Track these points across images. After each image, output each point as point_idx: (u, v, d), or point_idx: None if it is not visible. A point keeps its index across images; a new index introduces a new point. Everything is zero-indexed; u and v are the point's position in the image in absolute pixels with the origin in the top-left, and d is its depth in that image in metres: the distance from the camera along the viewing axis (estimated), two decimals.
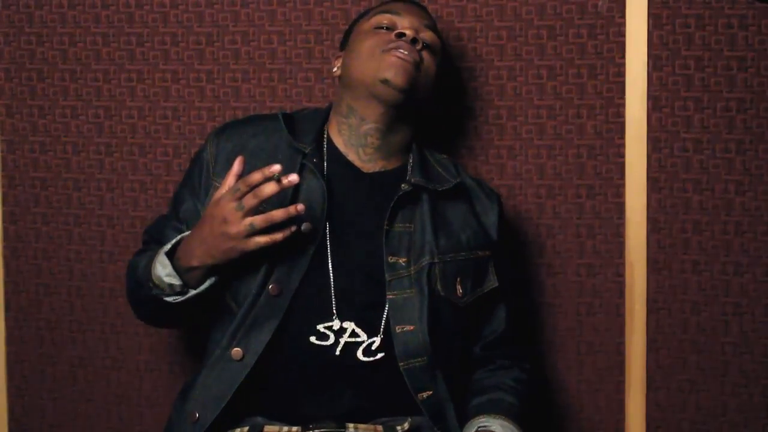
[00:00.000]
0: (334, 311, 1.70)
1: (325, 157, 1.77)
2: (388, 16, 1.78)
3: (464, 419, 1.73)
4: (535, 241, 2.06)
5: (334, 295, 1.70)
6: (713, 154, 1.99)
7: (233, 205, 1.59)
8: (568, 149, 2.03)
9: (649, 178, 2.01)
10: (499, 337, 1.83)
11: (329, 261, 1.71)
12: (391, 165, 1.80)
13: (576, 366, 2.08)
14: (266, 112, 2.08)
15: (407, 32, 1.74)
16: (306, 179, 1.73)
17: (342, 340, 1.69)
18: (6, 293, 2.22)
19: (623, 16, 1.99)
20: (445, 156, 1.88)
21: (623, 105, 2.00)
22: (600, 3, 1.99)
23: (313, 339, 1.69)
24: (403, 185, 1.74)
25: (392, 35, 1.74)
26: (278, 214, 1.60)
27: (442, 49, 1.84)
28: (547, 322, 2.07)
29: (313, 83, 2.07)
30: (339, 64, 1.84)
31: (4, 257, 2.21)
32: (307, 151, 1.75)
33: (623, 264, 2.03)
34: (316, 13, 2.06)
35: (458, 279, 1.75)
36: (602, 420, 2.08)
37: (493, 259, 1.81)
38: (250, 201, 1.59)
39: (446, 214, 1.78)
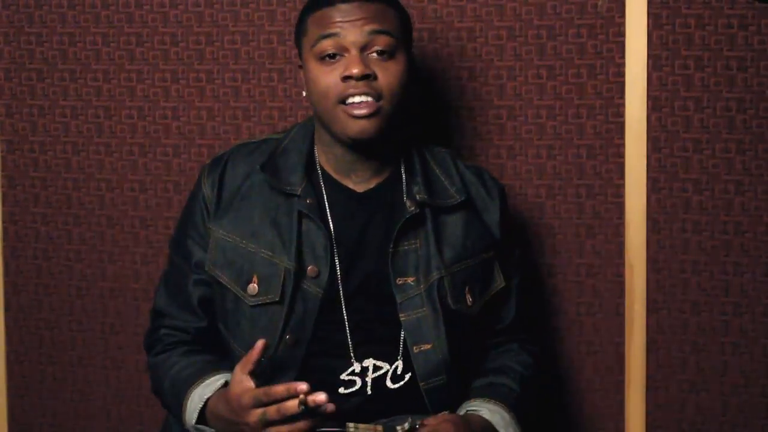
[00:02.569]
0: (352, 355, 1.69)
1: (323, 186, 1.74)
2: (329, 42, 1.66)
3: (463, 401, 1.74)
4: (535, 241, 2.06)
5: (350, 336, 1.69)
6: (713, 154, 1.99)
7: (258, 412, 1.51)
8: (567, 149, 2.03)
9: (648, 178, 2.01)
10: (508, 326, 1.82)
11: (341, 295, 1.70)
12: (384, 176, 1.75)
13: (576, 366, 2.08)
14: (266, 112, 2.08)
15: (354, 71, 1.63)
16: (305, 224, 1.70)
17: (368, 380, 1.69)
18: (6, 293, 2.22)
19: (623, 16, 1.99)
20: (444, 150, 1.83)
21: (623, 105, 2.00)
22: (599, 3, 1.99)
23: (341, 390, 1.68)
24: (408, 205, 1.71)
25: (340, 78, 1.64)
26: (291, 405, 1.49)
27: (405, 39, 1.72)
28: (547, 322, 2.07)
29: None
30: (304, 87, 1.75)
31: (4, 257, 2.21)
32: (298, 193, 1.70)
33: (623, 264, 2.03)
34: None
35: (467, 288, 1.74)
36: (602, 420, 2.08)
37: (498, 257, 1.80)
38: (273, 415, 1.50)
39: (448, 223, 1.75)
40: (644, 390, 2.05)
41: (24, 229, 2.20)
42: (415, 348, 1.68)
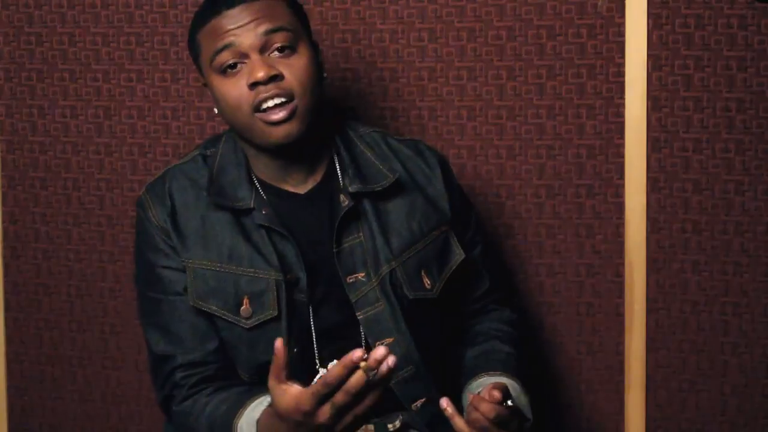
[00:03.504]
0: (317, 362, 1.65)
1: (264, 196, 1.67)
2: (226, 53, 1.60)
3: (460, 372, 1.71)
4: (535, 241, 2.06)
5: (316, 342, 1.65)
6: (713, 154, 1.99)
7: (327, 407, 1.37)
8: (567, 149, 2.03)
9: (648, 178, 2.01)
10: (484, 293, 1.80)
11: (308, 302, 1.65)
12: (320, 173, 1.70)
13: (576, 366, 2.08)
14: None
15: (260, 75, 1.58)
16: (270, 235, 1.65)
17: None
18: (6, 293, 2.22)
19: (623, 16, 1.99)
20: (373, 130, 1.77)
21: (623, 105, 2.00)
22: (599, 3, 1.99)
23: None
24: (343, 200, 1.66)
25: (247, 86, 1.59)
26: (357, 379, 1.35)
27: (302, 28, 1.66)
28: (547, 322, 2.07)
29: None
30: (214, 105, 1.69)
31: (4, 257, 2.21)
32: (252, 206, 1.65)
33: (623, 264, 2.03)
34: (316, 12, 2.06)
35: (422, 271, 1.68)
36: (602, 420, 2.08)
37: (453, 229, 1.74)
38: (342, 399, 1.36)
39: (390, 209, 1.69)
40: (644, 390, 2.05)
41: (24, 229, 2.20)
42: (377, 344, 1.63)
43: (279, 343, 1.40)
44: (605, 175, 2.02)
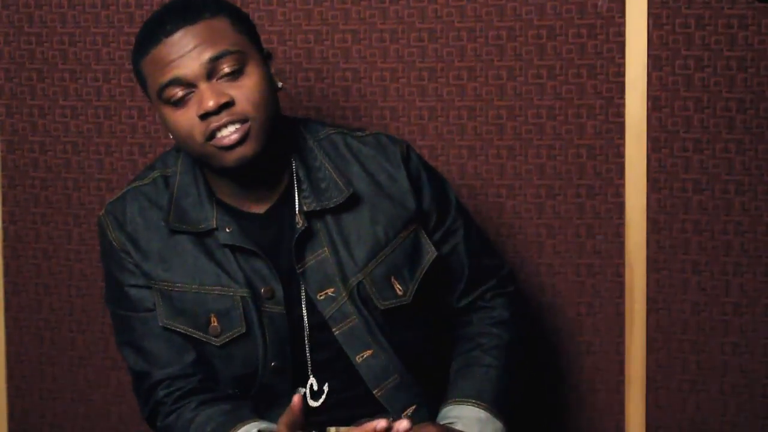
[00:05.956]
0: (310, 374, 1.65)
1: (226, 215, 1.64)
2: (173, 88, 1.54)
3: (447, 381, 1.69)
4: (535, 241, 2.06)
5: (311, 363, 1.65)
6: (713, 154, 1.99)
7: None
8: (567, 149, 2.03)
9: (648, 178, 2.01)
10: (469, 282, 1.73)
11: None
12: (280, 189, 1.66)
13: (576, 366, 2.08)
14: None
15: (209, 104, 1.52)
16: (235, 253, 1.62)
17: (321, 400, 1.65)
18: (6, 293, 2.22)
19: (623, 16, 1.99)
20: (332, 132, 1.71)
21: (623, 105, 2.00)
22: (600, 3, 1.99)
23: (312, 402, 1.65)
24: (298, 220, 1.62)
25: (197, 115, 1.54)
26: None
27: (249, 43, 1.60)
28: (547, 322, 2.07)
29: (313, 83, 2.07)
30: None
31: (4, 257, 2.21)
32: (214, 226, 1.63)
33: (623, 264, 2.03)
34: (316, 13, 2.06)
35: (392, 278, 1.64)
36: (602, 420, 2.08)
37: (425, 224, 1.69)
38: None
39: (353, 217, 1.65)
40: (644, 390, 2.05)
41: (24, 229, 2.20)
42: (357, 358, 1.62)
43: (297, 399, 1.49)
44: (605, 175, 2.02)
